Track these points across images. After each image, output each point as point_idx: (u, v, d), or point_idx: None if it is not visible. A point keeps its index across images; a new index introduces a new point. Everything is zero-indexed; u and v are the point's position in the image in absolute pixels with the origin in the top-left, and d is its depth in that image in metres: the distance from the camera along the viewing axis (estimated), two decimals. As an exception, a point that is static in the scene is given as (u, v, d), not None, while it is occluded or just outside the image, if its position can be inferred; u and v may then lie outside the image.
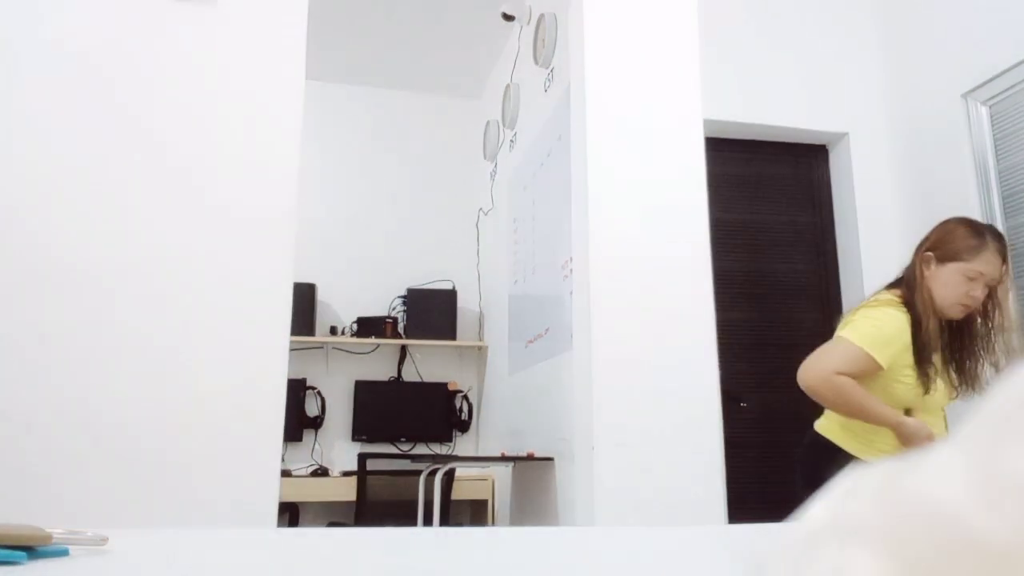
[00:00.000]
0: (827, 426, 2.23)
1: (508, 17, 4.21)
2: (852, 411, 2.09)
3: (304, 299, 4.49)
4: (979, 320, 2.14)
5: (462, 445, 4.90)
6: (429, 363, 4.97)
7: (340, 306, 4.90)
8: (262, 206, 2.30)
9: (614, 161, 2.84)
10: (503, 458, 3.71)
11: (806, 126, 4.13)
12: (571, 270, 3.05)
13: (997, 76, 3.53)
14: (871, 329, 2.10)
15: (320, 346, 4.80)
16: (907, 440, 2.02)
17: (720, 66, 3.88)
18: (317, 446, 4.69)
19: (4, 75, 2.19)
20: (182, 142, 2.28)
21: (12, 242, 2.11)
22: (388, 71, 5.10)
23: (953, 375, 2.10)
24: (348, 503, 4.08)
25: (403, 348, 4.92)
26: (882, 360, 2.04)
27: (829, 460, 2.12)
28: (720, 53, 3.91)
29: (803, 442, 2.29)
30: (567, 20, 3.25)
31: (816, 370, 2.11)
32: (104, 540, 0.62)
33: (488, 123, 4.97)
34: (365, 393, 4.74)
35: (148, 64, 2.30)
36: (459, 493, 4.12)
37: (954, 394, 2.12)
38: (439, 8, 4.45)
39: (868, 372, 2.06)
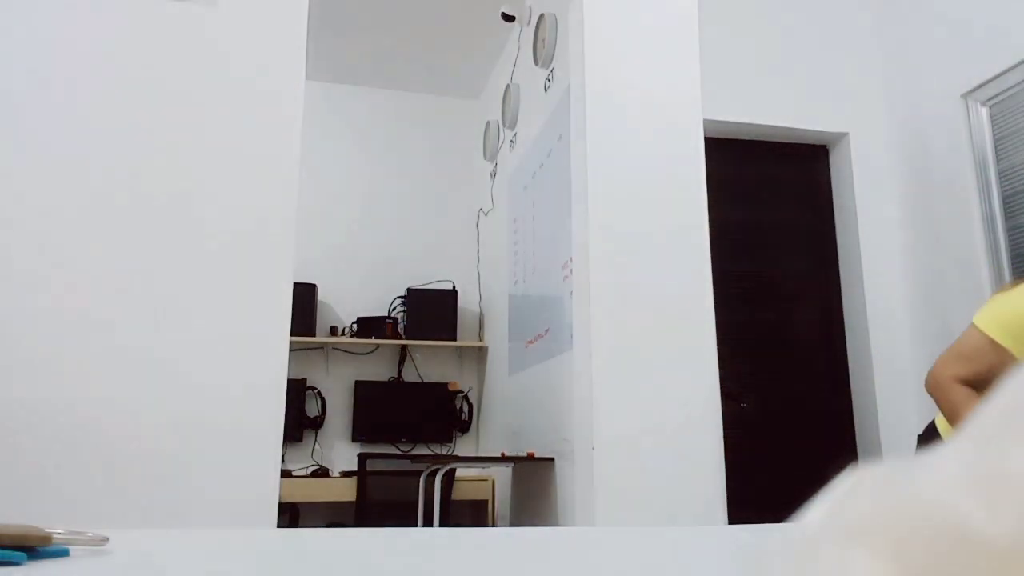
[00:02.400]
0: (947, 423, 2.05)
1: (508, 17, 4.22)
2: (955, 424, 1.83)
3: (304, 299, 4.49)
4: None
5: (462, 445, 4.90)
6: (429, 363, 4.97)
7: (340, 306, 4.90)
8: (262, 206, 2.30)
9: (614, 161, 2.84)
10: (503, 458, 3.71)
11: (806, 126, 4.14)
12: (571, 270, 3.05)
13: (997, 76, 3.53)
14: (999, 307, 1.80)
15: (320, 346, 4.80)
16: None
17: (720, 66, 3.88)
18: (317, 446, 4.69)
19: (3, 75, 2.19)
20: (182, 142, 2.28)
21: (12, 242, 2.11)
22: (388, 71, 5.10)
23: None
24: (348, 503, 4.08)
25: (403, 348, 4.92)
26: (1007, 341, 1.75)
27: None
28: (720, 53, 3.91)
29: (921, 435, 2.16)
30: (567, 20, 3.25)
31: (934, 374, 1.83)
32: (104, 540, 0.62)
33: (488, 123, 4.97)
34: (365, 393, 4.74)
35: (148, 64, 2.30)
36: (459, 493, 4.12)
37: None
38: (439, 8, 4.45)
39: (1000, 362, 1.75)
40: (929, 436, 2.08)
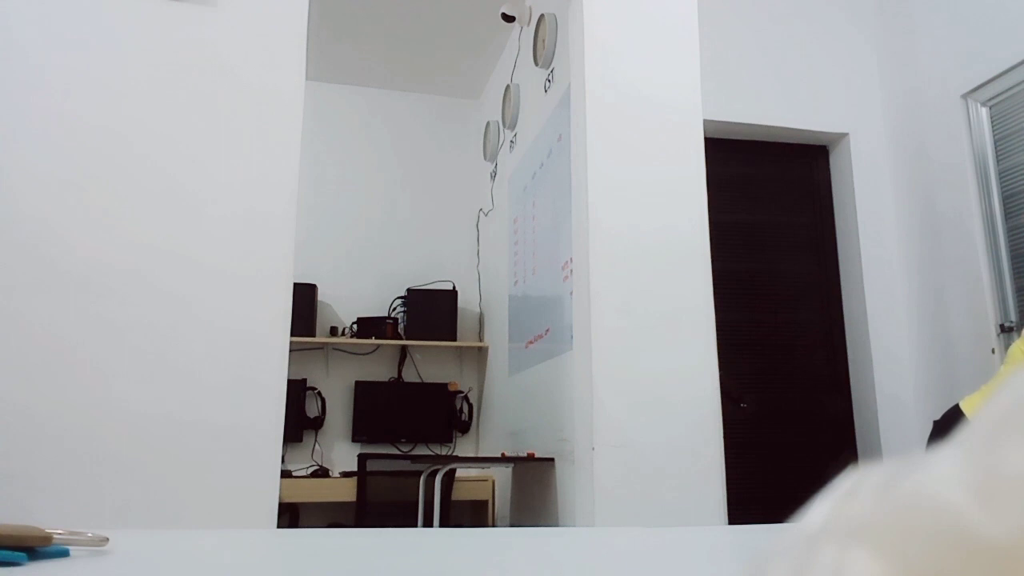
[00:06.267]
0: (976, 403, 2.09)
1: (508, 18, 4.22)
2: None
3: (304, 299, 4.49)
4: None
5: (462, 446, 4.90)
6: (429, 364, 4.97)
7: (340, 306, 4.90)
8: (262, 206, 2.30)
9: (614, 161, 2.84)
10: (503, 459, 3.71)
11: (806, 126, 4.14)
12: (571, 270, 3.05)
13: (997, 76, 3.54)
14: None
15: (320, 347, 4.80)
16: None
17: (720, 66, 3.88)
18: (317, 447, 4.69)
19: (4, 75, 2.19)
20: (182, 142, 2.28)
21: (12, 242, 2.11)
22: (388, 71, 5.11)
23: None
24: (348, 504, 4.08)
25: (403, 349, 4.92)
26: None
27: None
28: (720, 53, 3.92)
29: (941, 418, 2.15)
30: (567, 20, 3.25)
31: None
32: (104, 541, 0.61)
33: (488, 123, 4.97)
34: (365, 394, 4.74)
35: (148, 64, 2.30)
36: (459, 494, 4.12)
37: None
38: (439, 9, 4.45)
39: None
40: (951, 420, 2.08)
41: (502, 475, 4.20)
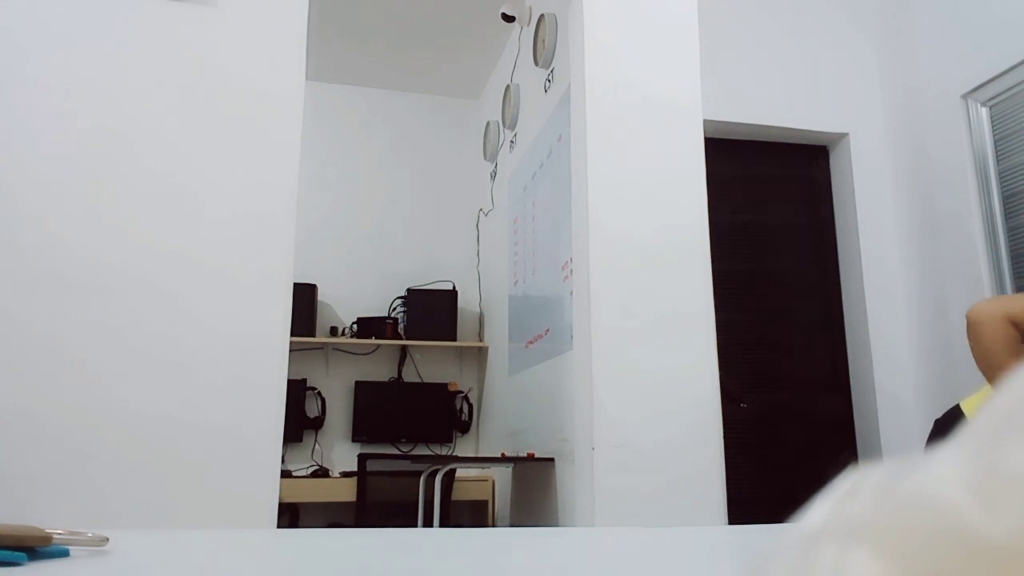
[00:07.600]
0: (976, 403, 2.06)
1: (508, 18, 4.21)
2: (985, 363, 1.78)
3: (304, 299, 4.48)
4: None
5: (462, 446, 4.90)
6: (429, 364, 4.97)
7: (340, 306, 4.90)
8: (262, 206, 2.30)
9: (614, 161, 2.84)
10: (503, 459, 3.71)
11: (806, 126, 4.14)
12: (571, 270, 3.05)
13: (997, 76, 3.53)
14: None
15: (320, 347, 4.80)
16: None
17: (720, 66, 3.88)
18: (317, 447, 4.69)
19: (5, 75, 2.19)
20: (182, 142, 2.28)
21: (12, 242, 2.11)
22: (388, 71, 5.10)
23: None
24: (348, 504, 4.08)
25: (403, 349, 4.92)
26: None
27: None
28: (720, 53, 3.92)
29: (940, 419, 2.15)
30: (567, 20, 3.25)
31: (981, 306, 1.78)
32: (104, 541, 0.62)
33: (488, 123, 4.97)
34: (365, 394, 4.74)
35: (148, 65, 2.30)
36: (459, 494, 4.12)
37: None
38: (439, 9, 4.45)
39: None
40: (951, 420, 2.07)
41: (502, 475, 4.20)
